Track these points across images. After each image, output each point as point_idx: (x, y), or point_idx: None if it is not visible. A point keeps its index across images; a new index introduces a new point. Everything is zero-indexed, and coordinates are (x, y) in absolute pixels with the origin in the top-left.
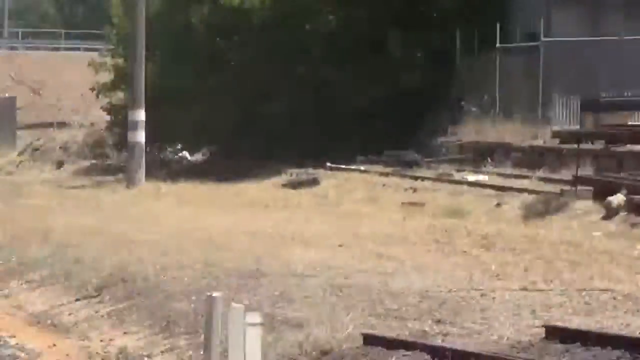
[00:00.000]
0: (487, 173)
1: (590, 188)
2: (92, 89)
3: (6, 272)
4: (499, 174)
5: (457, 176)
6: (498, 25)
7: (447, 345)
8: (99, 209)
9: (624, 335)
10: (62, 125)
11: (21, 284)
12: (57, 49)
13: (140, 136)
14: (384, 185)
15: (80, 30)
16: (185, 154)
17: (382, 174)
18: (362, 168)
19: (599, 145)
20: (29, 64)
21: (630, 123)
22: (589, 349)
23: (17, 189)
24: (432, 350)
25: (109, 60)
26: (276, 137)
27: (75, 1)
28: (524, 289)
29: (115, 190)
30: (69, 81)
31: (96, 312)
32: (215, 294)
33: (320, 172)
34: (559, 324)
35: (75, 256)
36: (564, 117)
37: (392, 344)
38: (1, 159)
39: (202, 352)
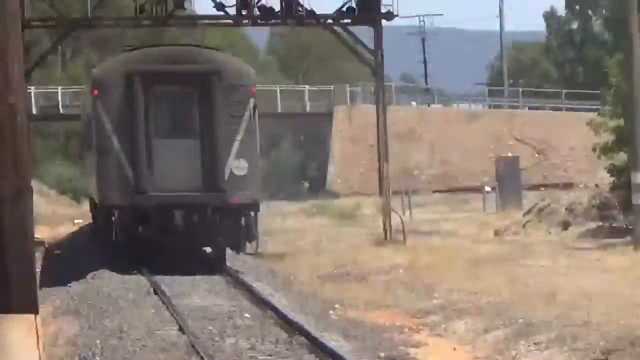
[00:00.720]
0: None
1: None
2: (594, 150)
3: (514, 333)
4: None
5: None
6: None
7: None
8: (605, 271)
9: None
10: (567, 186)
11: (528, 346)
12: (558, 109)
13: None
14: None
15: (580, 90)
16: None
17: None
18: None
19: None
20: (530, 124)
21: None
22: None
23: (523, 249)
24: None
25: (607, 120)
26: None
27: (576, 60)
28: None
29: (623, 253)
30: (572, 142)
31: None
32: None
33: None
34: None
35: (582, 319)
36: None
37: None
38: (507, 219)
39: None
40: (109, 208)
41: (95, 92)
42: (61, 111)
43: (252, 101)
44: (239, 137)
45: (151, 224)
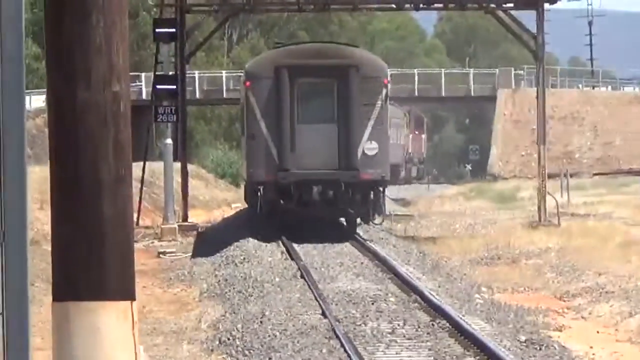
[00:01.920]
0: None
1: None
2: None
3: None
4: None
5: None
6: None
7: None
8: None
9: None
10: None
11: None
12: None
13: None
14: None
15: None
16: None
17: None
18: None
19: None
20: None
21: None
22: None
23: None
24: None
25: None
26: None
27: None
28: None
29: None
30: None
31: None
32: None
33: None
34: None
35: None
36: None
37: None
38: None
39: None
40: (255, 184)
41: (248, 83)
42: (225, 95)
43: (384, 91)
44: (371, 122)
45: (292, 198)
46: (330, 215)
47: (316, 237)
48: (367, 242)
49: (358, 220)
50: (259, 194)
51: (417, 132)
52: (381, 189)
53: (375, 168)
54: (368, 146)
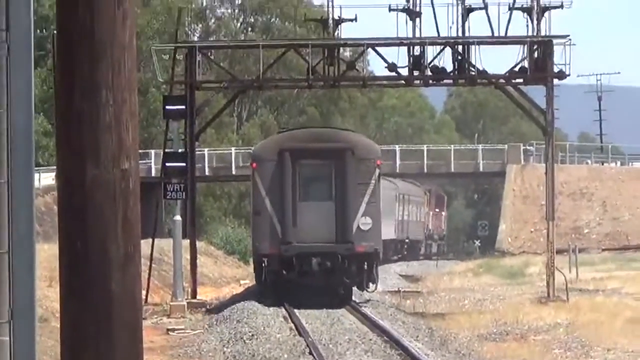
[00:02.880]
0: None
1: None
2: None
3: None
4: None
5: None
6: None
7: None
8: None
9: None
10: None
11: None
12: None
13: None
14: None
15: None
16: None
17: None
18: None
19: None
20: None
21: None
22: None
23: None
24: None
25: None
26: None
27: None
28: None
29: None
30: None
31: None
32: None
33: None
34: None
35: None
36: None
37: None
38: None
39: None
40: (261, 256)
41: (254, 165)
42: (234, 172)
43: (377, 171)
44: (365, 199)
45: (293, 269)
46: (328, 284)
47: (316, 304)
48: (375, 318)
49: (366, 293)
50: (263, 265)
51: (437, 210)
52: (375, 260)
53: (369, 241)
54: (362, 221)
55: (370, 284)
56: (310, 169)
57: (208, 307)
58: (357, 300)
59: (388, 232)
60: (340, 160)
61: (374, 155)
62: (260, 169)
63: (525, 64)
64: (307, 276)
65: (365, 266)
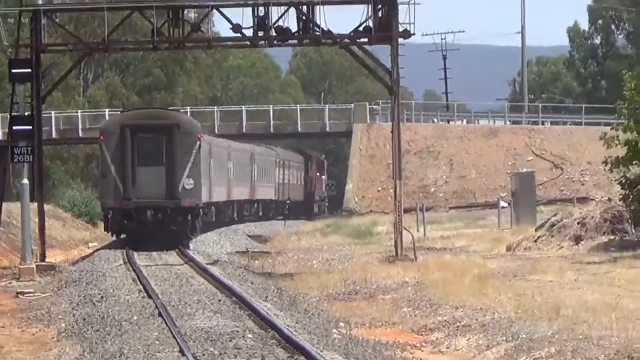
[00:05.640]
0: None
1: None
2: (604, 162)
3: (515, 349)
4: None
5: None
6: None
7: None
8: (612, 285)
9: None
10: (583, 200)
11: None
12: (578, 124)
13: None
14: None
15: (600, 105)
16: None
17: None
18: None
19: None
20: (549, 139)
21: None
22: None
23: (532, 264)
24: None
25: (621, 134)
26: None
27: (598, 75)
28: None
29: (632, 266)
30: (590, 156)
31: None
32: None
33: None
34: None
35: (584, 333)
36: None
37: None
38: (520, 234)
39: None
40: (107, 209)
41: (102, 137)
42: (80, 135)
43: (198, 143)
44: (189, 165)
45: (132, 219)
46: (159, 231)
47: (150, 248)
48: (224, 279)
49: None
50: (109, 216)
51: (318, 174)
52: (197, 213)
53: (192, 198)
54: (187, 182)
55: (194, 233)
56: (146, 140)
57: (57, 269)
58: (206, 262)
59: (267, 192)
60: (169, 134)
61: (195, 130)
62: (107, 140)
63: (370, 23)
64: (143, 225)
65: (189, 218)
